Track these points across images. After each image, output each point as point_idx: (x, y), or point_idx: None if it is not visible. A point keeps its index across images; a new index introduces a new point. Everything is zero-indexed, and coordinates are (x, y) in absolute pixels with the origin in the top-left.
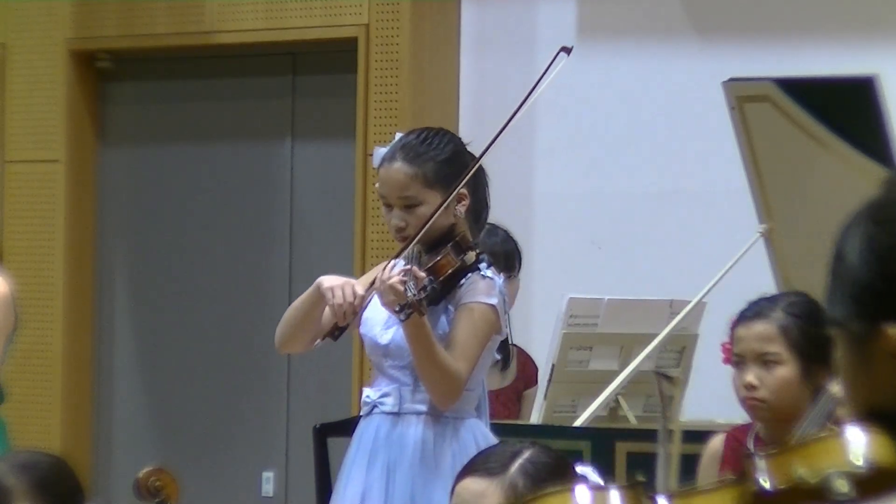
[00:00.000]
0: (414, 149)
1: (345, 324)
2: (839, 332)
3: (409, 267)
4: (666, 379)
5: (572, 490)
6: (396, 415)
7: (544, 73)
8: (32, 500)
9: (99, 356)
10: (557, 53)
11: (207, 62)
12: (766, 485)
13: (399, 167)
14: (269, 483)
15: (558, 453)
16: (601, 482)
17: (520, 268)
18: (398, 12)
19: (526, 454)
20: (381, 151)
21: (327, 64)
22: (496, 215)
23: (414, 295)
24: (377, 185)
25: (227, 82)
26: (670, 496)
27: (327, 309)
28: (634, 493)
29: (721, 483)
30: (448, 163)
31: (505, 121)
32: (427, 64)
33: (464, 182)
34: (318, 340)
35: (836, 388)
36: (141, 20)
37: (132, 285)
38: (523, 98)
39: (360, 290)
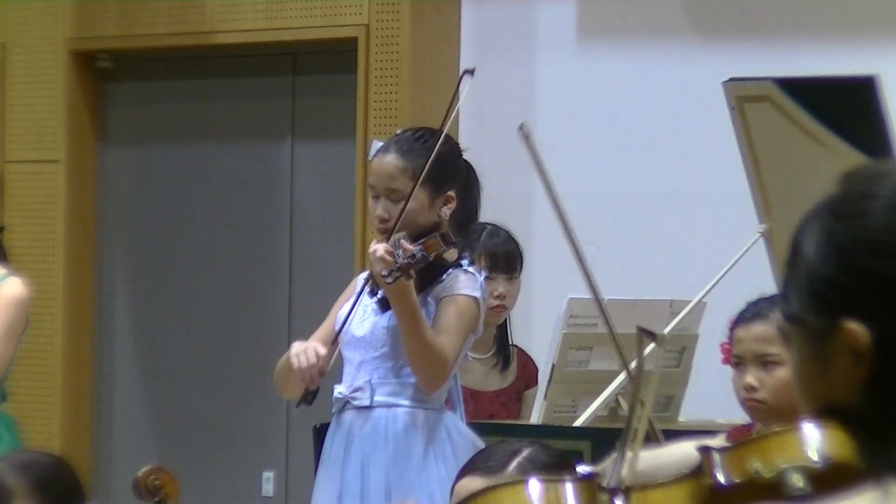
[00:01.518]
0: (408, 143)
1: (314, 387)
2: (795, 328)
3: (398, 237)
4: (649, 336)
5: (525, 482)
6: (369, 408)
7: (453, 100)
8: (32, 499)
9: (99, 356)
10: (461, 76)
11: (207, 62)
12: (722, 479)
13: (391, 159)
14: (269, 483)
15: (559, 452)
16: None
17: (521, 269)
18: (398, 12)
19: (525, 453)
20: (377, 144)
21: (327, 64)
22: (496, 215)
23: (403, 260)
24: (368, 178)
25: (227, 82)
26: (626, 490)
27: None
28: (588, 486)
29: (678, 477)
30: (439, 162)
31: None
32: (427, 64)
33: (432, 163)
34: (295, 408)
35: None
36: (141, 20)
37: (132, 285)
38: (440, 126)
39: (322, 350)
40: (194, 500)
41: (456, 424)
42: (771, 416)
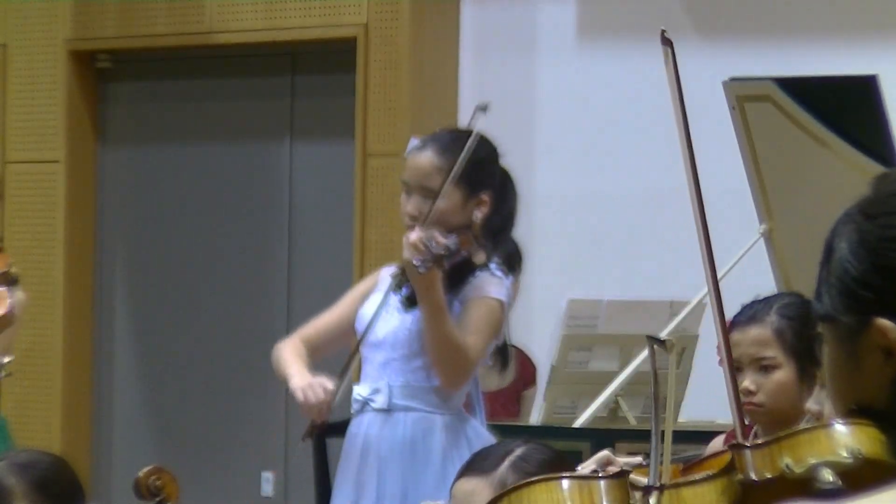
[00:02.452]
0: (446, 142)
1: (321, 421)
2: (828, 327)
3: (431, 231)
4: (658, 343)
5: (559, 479)
6: (387, 411)
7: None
8: (32, 499)
9: (99, 356)
10: (475, 112)
11: (207, 62)
12: (753, 475)
13: (427, 156)
14: (268, 483)
15: (555, 450)
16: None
17: (520, 270)
18: (398, 12)
19: (518, 451)
20: (414, 141)
21: (327, 63)
22: None
23: (437, 250)
24: (402, 174)
25: (227, 82)
26: (660, 487)
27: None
28: (621, 483)
29: (709, 474)
30: (477, 164)
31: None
32: (427, 64)
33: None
34: (301, 442)
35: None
36: (141, 20)
37: (132, 285)
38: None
39: (330, 386)
40: (194, 500)
41: (477, 430)
42: (769, 419)
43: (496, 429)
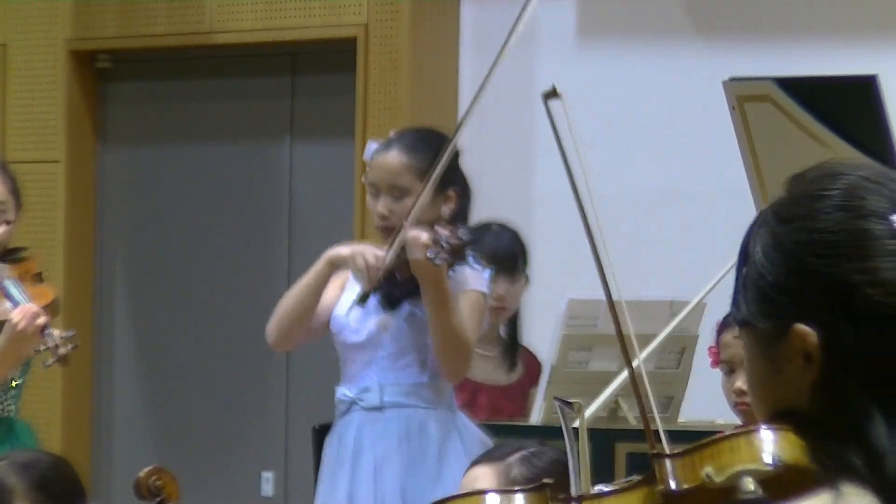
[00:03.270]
0: (411, 141)
1: (371, 288)
2: (746, 333)
3: (430, 226)
4: (567, 406)
5: (481, 494)
6: (378, 409)
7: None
8: (32, 499)
9: (99, 356)
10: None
11: (207, 62)
12: (674, 485)
13: (395, 155)
14: (268, 483)
15: (556, 453)
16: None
17: (525, 270)
18: (398, 12)
19: (532, 448)
20: (373, 145)
21: (326, 63)
22: (496, 215)
23: (451, 241)
24: (367, 174)
25: (227, 82)
26: (579, 499)
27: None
28: (541, 497)
29: (630, 484)
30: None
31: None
32: (427, 64)
33: (441, 168)
34: (357, 304)
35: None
36: (141, 20)
37: (132, 285)
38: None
39: (381, 252)
40: (194, 500)
41: (463, 421)
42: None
43: (496, 429)
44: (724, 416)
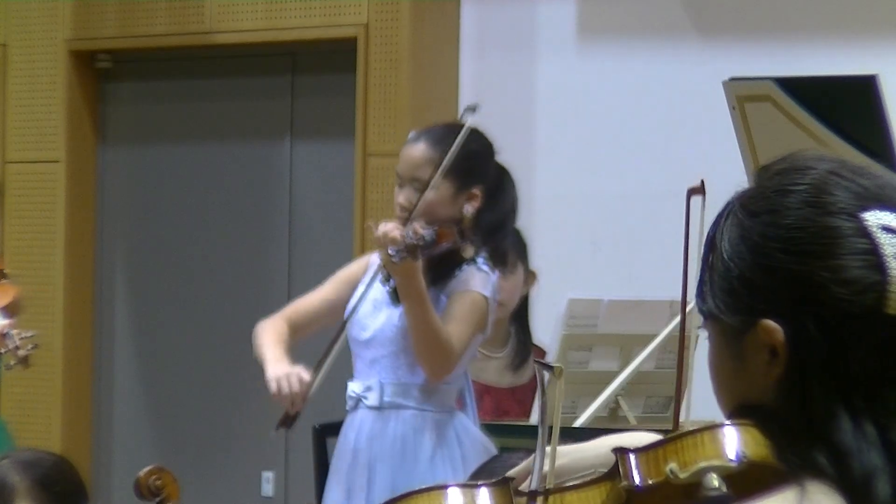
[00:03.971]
0: (439, 135)
1: (295, 412)
2: (711, 325)
3: (413, 223)
4: (546, 368)
5: (443, 488)
6: (378, 409)
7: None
8: (34, 497)
9: (99, 356)
10: (464, 114)
11: (207, 62)
12: (637, 480)
13: (420, 147)
14: (269, 483)
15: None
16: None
17: (522, 264)
18: (398, 12)
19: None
20: (412, 134)
21: (327, 64)
22: None
23: (410, 240)
24: (397, 166)
25: (227, 82)
26: (545, 492)
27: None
28: (503, 490)
29: (594, 479)
30: (468, 157)
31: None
32: (427, 64)
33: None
34: (273, 432)
35: None
36: (141, 20)
37: (132, 285)
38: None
39: (306, 377)
40: (194, 500)
41: (466, 427)
42: None
43: (497, 429)
44: (723, 415)
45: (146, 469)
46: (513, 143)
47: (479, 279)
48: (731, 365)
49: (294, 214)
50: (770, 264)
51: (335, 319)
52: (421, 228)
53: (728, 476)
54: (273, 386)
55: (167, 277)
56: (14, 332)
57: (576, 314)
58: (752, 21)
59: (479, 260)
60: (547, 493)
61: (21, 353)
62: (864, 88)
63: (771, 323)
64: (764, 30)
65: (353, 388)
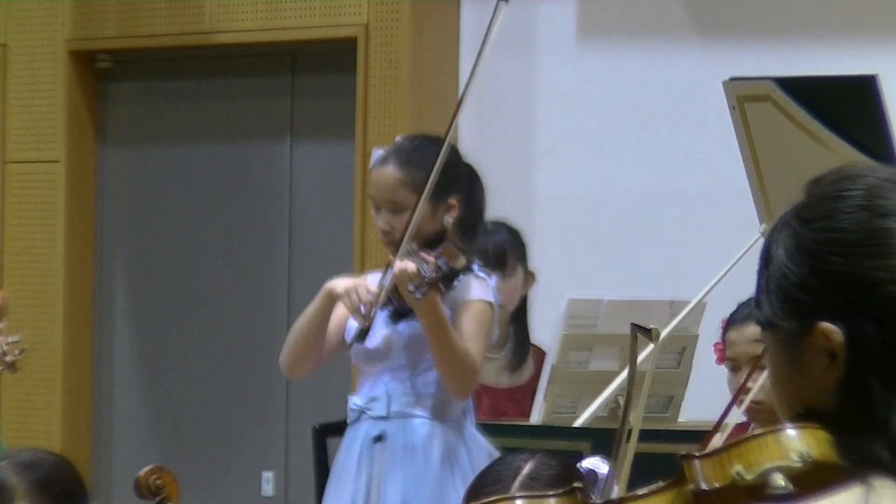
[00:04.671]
0: (407, 154)
1: (367, 325)
2: (769, 333)
3: (418, 252)
4: (643, 332)
5: (513, 499)
6: (385, 419)
7: (487, 32)
8: (34, 498)
9: (99, 356)
10: (497, 5)
11: (207, 62)
12: (704, 484)
13: (390, 170)
14: (269, 483)
15: (563, 460)
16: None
17: (521, 265)
18: (398, 12)
19: (526, 469)
20: (377, 153)
21: (327, 64)
22: (497, 215)
23: (430, 274)
24: (368, 189)
25: (227, 82)
26: (608, 503)
27: (331, 321)
28: (572, 500)
29: (659, 487)
30: (443, 172)
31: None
32: (427, 64)
33: (433, 181)
34: (352, 342)
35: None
36: (141, 20)
37: (132, 285)
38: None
39: (373, 287)
40: (194, 500)
41: (472, 434)
42: (768, 416)
43: (497, 429)
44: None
45: (146, 469)
46: (513, 143)
47: (478, 286)
48: (790, 370)
49: (294, 214)
50: (825, 268)
51: (340, 350)
52: (430, 257)
53: (793, 476)
54: (346, 301)
55: (167, 277)
56: (0, 337)
57: (576, 314)
58: (752, 21)
59: (475, 267)
60: (610, 503)
61: (8, 358)
62: (864, 88)
63: (829, 325)
64: (764, 30)
65: (356, 400)
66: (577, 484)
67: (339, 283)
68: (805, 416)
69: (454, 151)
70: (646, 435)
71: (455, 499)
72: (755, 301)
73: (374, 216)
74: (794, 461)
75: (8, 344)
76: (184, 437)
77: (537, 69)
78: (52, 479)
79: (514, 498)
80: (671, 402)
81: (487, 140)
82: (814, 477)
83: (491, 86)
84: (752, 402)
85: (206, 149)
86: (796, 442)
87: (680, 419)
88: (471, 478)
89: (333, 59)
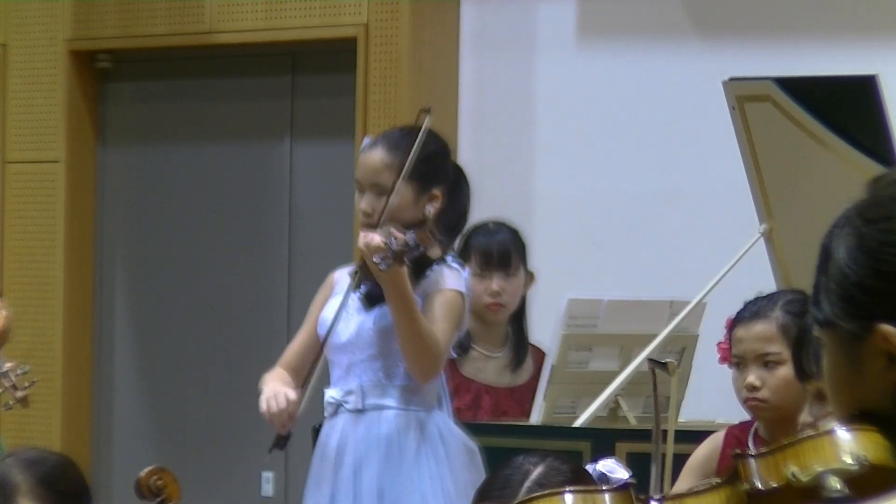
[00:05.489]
0: (395, 139)
1: (285, 432)
2: (827, 333)
3: (388, 227)
4: (660, 366)
5: (563, 493)
6: (360, 412)
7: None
8: (37, 496)
9: (99, 356)
10: (419, 115)
11: (207, 62)
12: (759, 484)
13: (377, 153)
14: (269, 483)
15: (573, 464)
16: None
17: (522, 264)
18: (398, 12)
19: (534, 475)
20: (367, 140)
21: (327, 63)
22: (497, 215)
23: (396, 247)
24: (355, 173)
25: (227, 82)
26: (661, 499)
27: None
28: (625, 496)
29: (713, 484)
30: (427, 159)
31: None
32: (427, 64)
33: (410, 165)
34: (267, 454)
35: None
36: (141, 20)
37: (132, 285)
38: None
39: (292, 395)
40: (194, 500)
41: (447, 424)
42: (773, 415)
43: (496, 429)
44: (724, 415)
45: (147, 469)
46: (513, 143)
47: (451, 277)
48: (848, 371)
49: (294, 214)
50: (888, 270)
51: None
52: (402, 233)
53: (848, 479)
54: (263, 405)
55: (167, 277)
56: (8, 366)
57: (576, 314)
58: (752, 21)
59: (449, 258)
60: (664, 499)
61: (19, 394)
62: (864, 88)
63: (889, 328)
64: (764, 30)
65: (332, 394)
66: (630, 479)
67: (265, 388)
68: (861, 417)
69: (441, 144)
70: (646, 435)
71: (430, 489)
72: (812, 299)
73: (356, 200)
74: (850, 464)
75: (17, 376)
76: (184, 438)
77: (537, 69)
78: (56, 477)
79: (564, 492)
80: (671, 401)
81: (487, 140)
82: (869, 480)
83: (491, 86)
84: (759, 400)
85: (206, 149)
86: (852, 444)
87: (680, 419)
88: (446, 466)
89: (333, 59)
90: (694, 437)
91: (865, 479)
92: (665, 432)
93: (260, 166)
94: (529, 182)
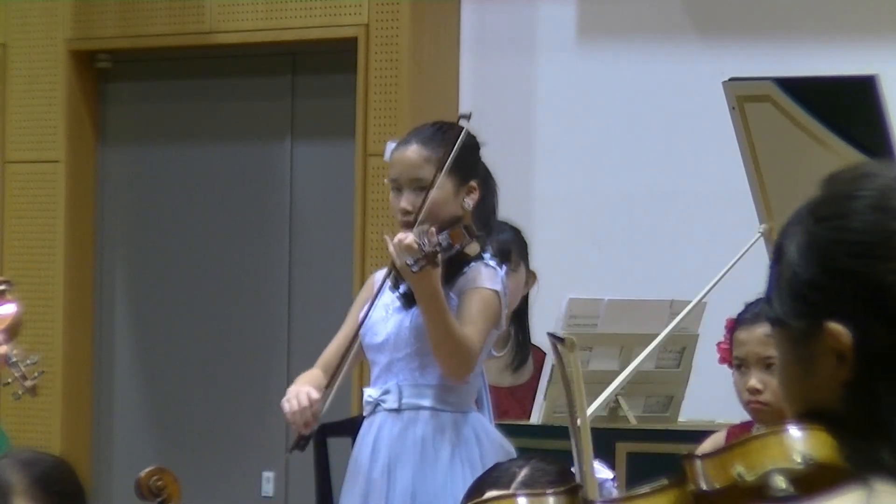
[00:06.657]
0: (429, 134)
1: (307, 432)
2: (778, 331)
3: (424, 227)
4: (558, 341)
5: (514, 496)
6: (397, 411)
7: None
8: (33, 496)
9: (99, 356)
10: (458, 121)
11: (207, 62)
12: (705, 485)
13: (414, 149)
14: (269, 483)
15: (559, 466)
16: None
17: (523, 262)
18: (398, 12)
19: (521, 476)
20: (391, 144)
21: (327, 64)
22: (497, 215)
23: (429, 248)
24: (389, 174)
25: (227, 82)
26: (612, 501)
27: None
28: (571, 499)
29: (661, 486)
30: (465, 152)
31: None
32: (427, 64)
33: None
34: (287, 454)
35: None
36: (141, 20)
37: (132, 285)
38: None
39: (315, 395)
40: (194, 500)
41: (484, 427)
42: (775, 417)
43: (498, 429)
44: (724, 415)
45: (147, 469)
46: (513, 143)
47: (487, 275)
48: (798, 370)
49: (294, 214)
50: (837, 267)
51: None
52: (435, 234)
53: (795, 478)
54: (285, 405)
55: (167, 277)
56: (16, 355)
57: (576, 314)
58: (752, 21)
59: (486, 256)
60: (615, 501)
61: (28, 383)
62: (864, 88)
63: (838, 326)
64: (764, 30)
65: (371, 392)
66: (578, 483)
67: (290, 390)
68: (810, 416)
69: (474, 139)
70: (646, 435)
71: (463, 489)
72: (766, 297)
73: (393, 200)
74: (797, 462)
75: (27, 366)
76: (184, 437)
77: (537, 69)
78: (52, 477)
79: (515, 496)
80: (671, 401)
81: (487, 140)
82: (815, 479)
83: (491, 86)
84: (761, 402)
85: (206, 149)
86: (799, 443)
87: (680, 419)
88: (481, 469)
89: (333, 59)
90: (694, 437)
91: (811, 479)
92: (576, 415)
93: (260, 166)
94: (529, 182)
